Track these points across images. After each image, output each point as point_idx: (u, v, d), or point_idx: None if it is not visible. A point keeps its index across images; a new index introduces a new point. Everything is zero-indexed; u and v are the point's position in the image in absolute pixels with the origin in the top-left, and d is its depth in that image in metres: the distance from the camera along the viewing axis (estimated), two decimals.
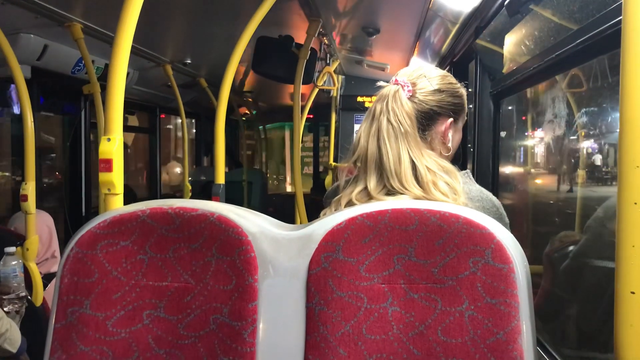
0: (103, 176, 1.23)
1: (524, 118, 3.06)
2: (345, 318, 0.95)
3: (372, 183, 1.18)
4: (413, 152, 1.18)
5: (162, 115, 6.20)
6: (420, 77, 1.26)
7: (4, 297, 2.17)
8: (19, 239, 2.64)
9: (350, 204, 1.17)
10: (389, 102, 1.21)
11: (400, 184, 1.16)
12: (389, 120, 1.19)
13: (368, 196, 1.18)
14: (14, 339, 2.07)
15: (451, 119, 1.29)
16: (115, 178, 1.23)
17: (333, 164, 5.05)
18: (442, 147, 1.29)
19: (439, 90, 1.26)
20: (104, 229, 1.04)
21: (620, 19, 0.80)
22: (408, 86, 1.23)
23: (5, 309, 2.15)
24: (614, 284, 0.80)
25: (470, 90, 2.73)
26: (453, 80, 1.32)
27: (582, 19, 1.63)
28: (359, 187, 1.20)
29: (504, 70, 2.58)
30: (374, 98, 1.28)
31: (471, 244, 0.94)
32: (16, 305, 2.20)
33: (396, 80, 1.25)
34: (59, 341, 1.01)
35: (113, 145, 1.23)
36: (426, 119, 1.25)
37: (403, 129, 1.18)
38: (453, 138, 1.31)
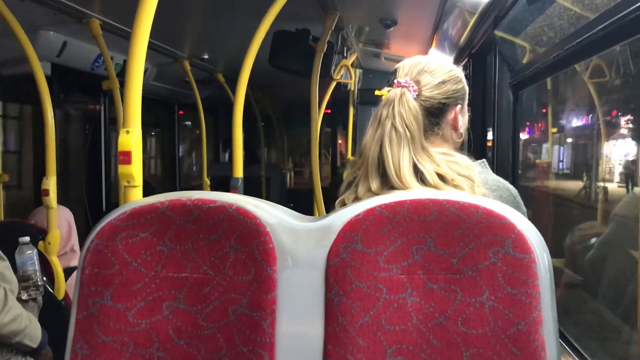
0: (122, 168, 1.24)
1: None
2: (365, 309, 0.95)
3: (374, 185, 1.17)
4: (417, 157, 1.15)
5: (181, 112, 6.23)
6: (421, 73, 1.23)
7: (23, 284, 2.19)
8: (41, 233, 2.68)
9: (357, 201, 1.16)
10: (395, 106, 1.17)
11: (401, 183, 1.14)
12: (393, 125, 1.16)
13: (374, 195, 1.16)
14: (34, 335, 2.06)
15: (459, 105, 1.27)
16: (135, 170, 1.24)
17: (351, 158, 5.03)
18: (454, 134, 1.28)
19: (442, 82, 1.23)
20: (123, 221, 1.04)
21: None
22: (413, 86, 1.20)
23: (23, 297, 2.17)
24: (639, 270, 0.79)
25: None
26: (452, 65, 1.29)
27: (603, 8, 1.60)
28: (363, 189, 1.18)
29: (524, 61, 2.55)
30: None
31: (491, 234, 0.93)
32: (34, 293, 2.22)
33: (398, 82, 1.21)
34: (80, 332, 1.02)
35: (132, 138, 1.23)
36: (434, 115, 1.23)
37: (409, 134, 1.15)
38: (462, 122, 1.29)
